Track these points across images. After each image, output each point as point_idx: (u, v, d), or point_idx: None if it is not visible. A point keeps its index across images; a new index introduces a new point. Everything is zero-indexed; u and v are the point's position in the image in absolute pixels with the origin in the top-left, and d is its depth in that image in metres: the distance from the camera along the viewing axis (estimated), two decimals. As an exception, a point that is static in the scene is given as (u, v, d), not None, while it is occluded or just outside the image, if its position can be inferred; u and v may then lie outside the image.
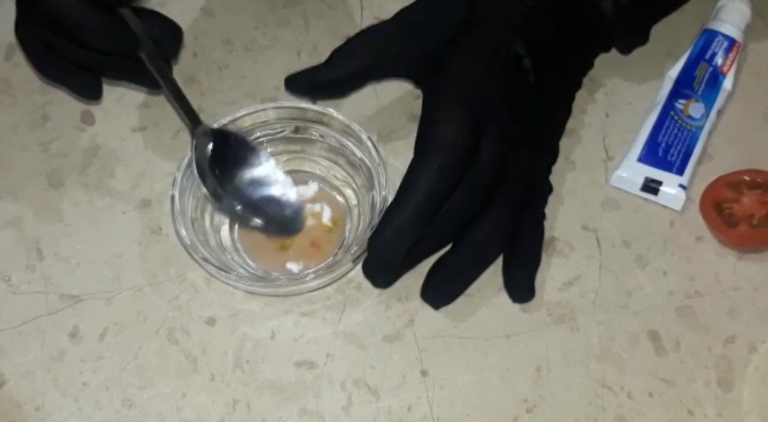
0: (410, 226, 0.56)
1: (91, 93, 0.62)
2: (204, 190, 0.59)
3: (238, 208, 0.60)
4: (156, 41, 0.59)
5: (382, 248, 0.56)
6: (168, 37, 0.61)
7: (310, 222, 0.62)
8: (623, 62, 0.68)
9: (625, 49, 0.67)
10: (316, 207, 0.63)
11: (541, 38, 0.61)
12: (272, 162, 0.61)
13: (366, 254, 0.57)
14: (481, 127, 0.57)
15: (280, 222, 0.61)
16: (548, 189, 0.62)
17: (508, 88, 0.59)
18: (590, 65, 0.66)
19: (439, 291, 0.59)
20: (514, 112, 0.59)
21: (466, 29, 0.61)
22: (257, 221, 0.60)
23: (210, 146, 0.60)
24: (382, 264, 0.58)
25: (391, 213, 0.56)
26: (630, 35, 0.66)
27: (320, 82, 0.62)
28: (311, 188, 0.63)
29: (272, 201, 0.61)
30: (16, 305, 0.60)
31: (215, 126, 0.60)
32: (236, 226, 0.62)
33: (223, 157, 0.60)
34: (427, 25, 0.62)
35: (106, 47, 0.58)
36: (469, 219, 0.58)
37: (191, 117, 0.60)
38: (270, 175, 0.61)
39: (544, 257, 0.60)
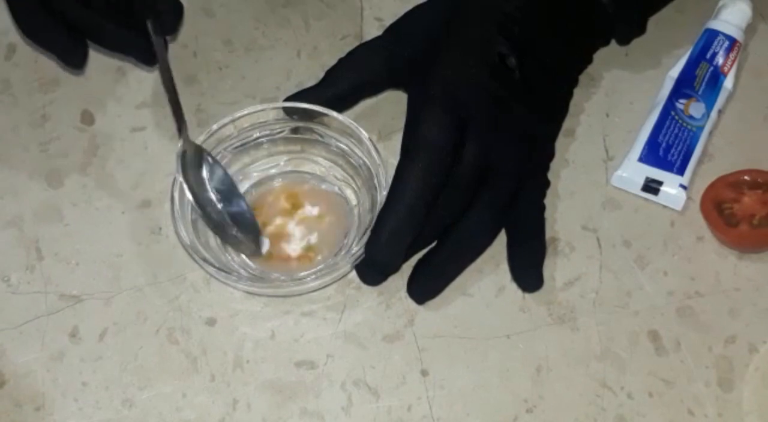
0: (404, 228, 0.57)
1: (75, 58, 0.61)
2: (189, 195, 0.59)
3: (214, 217, 0.60)
4: (158, 15, 0.59)
5: (380, 253, 0.57)
6: (169, 12, 0.60)
7: (310, 222, 0.62)
8: (623, 62, 0.68)
9: (623, 40, 0.67)
10: (315, 208, 0.63)
11: (528, 36, 0.61)
12: (230, 180, 0.61)
13: (363, 257, 0.58)
14: (465, 125, 0.58)
15: (244, 242, 0.60)
16: (545, 182, 0.62)
17: (492, 87, 0.60)
18: (589, 61, 0.66)
19: (424, 288, 0.59)
20: (498, 110, 0.59)
21: (450, 29, 0.61)
22: (231, 236, 0.60)
23: (194, 152, 0.60)
24: (382, 268, 0.58)
25: (383, 217, 0.57)
26: (627, 25, 0.66)
27: (314, 103, 0.62)
28: (311, 187, 0.63)
29: (237, 221, 0.60)
30: (16, 305, 0.60)
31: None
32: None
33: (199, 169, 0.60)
34: (415, 33, 0.63)
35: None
36: (453, 217, 0.59)
37: (177, 112, 0.59)
38: (233, 195, 0.61)
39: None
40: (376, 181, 0.60)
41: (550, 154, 0.63)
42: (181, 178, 0.59)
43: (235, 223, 0.60)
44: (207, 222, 0.59)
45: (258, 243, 0.60)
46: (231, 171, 0.62)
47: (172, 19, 0.60)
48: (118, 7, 0.57)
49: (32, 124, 0.67)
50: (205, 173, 0.60)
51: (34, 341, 0.59)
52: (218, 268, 0.57)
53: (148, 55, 0.59)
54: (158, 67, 0.60)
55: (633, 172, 0.63)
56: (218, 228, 0.60)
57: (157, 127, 0.67)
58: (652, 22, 0.67)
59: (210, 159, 0.60)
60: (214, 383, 0.58)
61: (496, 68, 0.60)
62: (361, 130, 0.61)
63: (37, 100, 0.68)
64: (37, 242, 0.63)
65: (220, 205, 0.60)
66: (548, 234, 0.61)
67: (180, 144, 0.59)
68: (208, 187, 0.60)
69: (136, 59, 0.62)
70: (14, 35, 0.70)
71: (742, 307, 0.59)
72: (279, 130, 0.63)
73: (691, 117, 0.64)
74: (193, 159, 0.60)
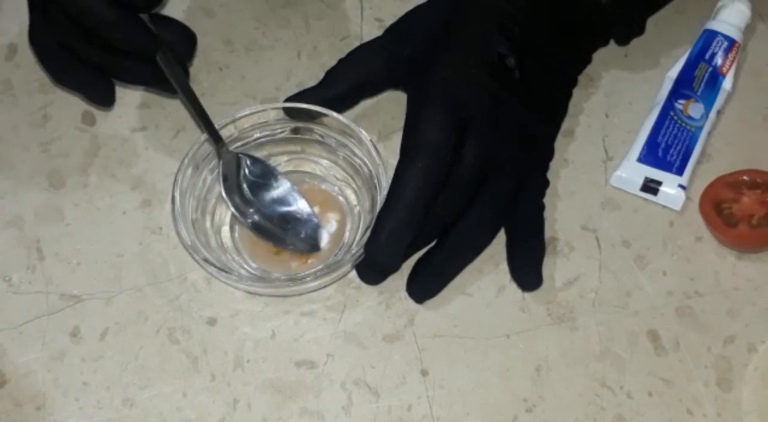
0: (404, 228, 0.57)
1: (105, 98, 0.62)
2: (231, 208, 0.60)
3: (263, 224, 0.61)
4: (170, 46, 0.59)
5: (380, 253, 0.57)
6: (182, 41, 0.60)
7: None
8: (623, 62, 0.68)
9: (623, 41, 0.67)
10: (315, 207, 0.63)
11: (528, 36, 0.61)
12: (288, 183, 0.61)
13: (363, 257, 0.58)
14: (465, 125, 0.58)
15: (301, 239, 0.61)
16: (545, 182, 0.62)
17: (491, 87, 0.60)
18: (588, 61, 0.66)
19: (423, 287, 0.60)
20: (498, 110, 0.60)
21: (450, 29, 0.61)
22: (280, 237, 0.61)
23: (235, 163, 0.61)
24: (382, 268, 0.58)
25: (383, 217, 0.57)
26: (626, 25, 0.66)
27: (314, 104, 0.62)
28: (311, 187, 0.63)
29: (291, 220, 0.61)
30: (16, 305, 0.61)
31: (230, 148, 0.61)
32: (236, 227, 0.62)
33: (243, 176, 0.61)
34: (415, 34, 0.63)
35: (126, 46, 0.56)
36: (453, 216, 0.59)
37: (211, 132, 0.60)
38: (287, 195, 0.61)
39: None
40: (376, 180, 0.60)
41: (550, 154, 0.63)
42: (224, 196, 0.60)
43: (291, 222, 0.61)
44: (258, 234, 0.61)
45: (317, 239, 0.61)
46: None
47: (185, 46, 0.60)
48: (124, 46, 0.57)
49: (33, 124, 0.67)
50: (248, 185, 0.61)
51: (35, 341, 0.59)
52: (219, 268, 0.57)
53: (170, 85, 0.59)
54: (180, 97, 0.60)
55: (632, 172, 0.63)
56: (271, 236, 0.61)
57: (158, 127, 0.67)
58: (652, 23, 0.68)
59: (251, 162, 0.61)
60: (215, 383, 0.58)
61: (496, 68, 0.60)
62: (361, 130, 0.61)
63: (38, 101, 0.68)
64: (38, 242, 0.63)
65: (268, 211, 0.61)
66: (548, 234, 0.61)
67: (220, 165, 0.60)
68: (258, 196, 0.61)
69: (161, 90, 0.63)
70: (15, 36, 0.70)
71: (741, 307, 0.60)
72: (279, 131, 0.63)
73: (690, 117, 0.64)
74: (234, 172, 0.61)
